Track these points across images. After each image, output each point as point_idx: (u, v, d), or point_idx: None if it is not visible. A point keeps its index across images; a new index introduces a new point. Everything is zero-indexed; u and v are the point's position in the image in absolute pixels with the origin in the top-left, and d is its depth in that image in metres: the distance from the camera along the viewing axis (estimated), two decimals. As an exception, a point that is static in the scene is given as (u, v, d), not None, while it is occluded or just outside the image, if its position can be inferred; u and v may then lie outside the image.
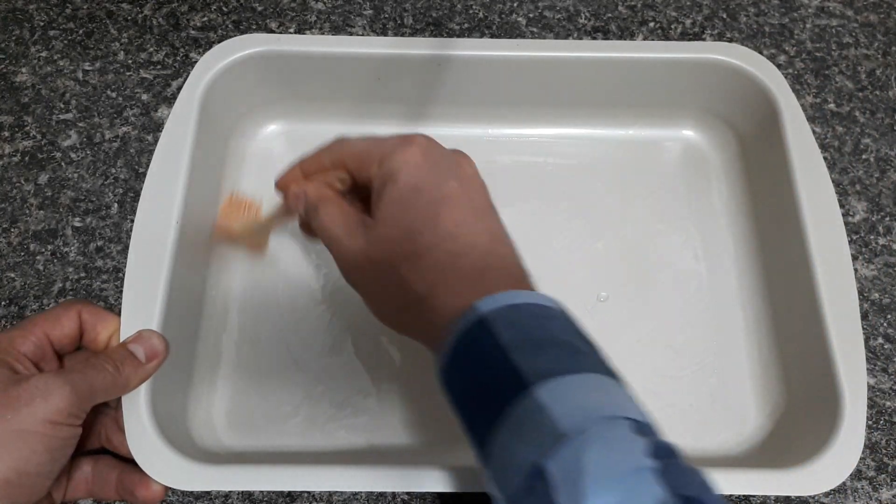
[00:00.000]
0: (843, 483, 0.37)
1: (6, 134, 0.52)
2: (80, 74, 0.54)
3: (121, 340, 0.37)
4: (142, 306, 0.38)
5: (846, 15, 0.59)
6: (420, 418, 0.43)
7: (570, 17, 0.58)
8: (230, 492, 0.42)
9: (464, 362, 0.29)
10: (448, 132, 0.52)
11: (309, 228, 0.37)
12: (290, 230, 0.47)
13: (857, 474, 0.43)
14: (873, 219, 0.51)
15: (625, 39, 0.57)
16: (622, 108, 0.51)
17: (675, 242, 0.49)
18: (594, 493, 0.23)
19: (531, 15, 0.58)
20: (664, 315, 0.47)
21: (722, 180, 0.51)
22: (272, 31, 0.56)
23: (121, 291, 0.39)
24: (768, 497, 0.43)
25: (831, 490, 0.36)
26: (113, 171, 0.51)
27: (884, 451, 0.44)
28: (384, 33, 0.57)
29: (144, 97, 0.53)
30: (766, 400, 0.44)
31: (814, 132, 0.48)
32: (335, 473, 0.35)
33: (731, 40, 0.57)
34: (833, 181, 0.44)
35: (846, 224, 0.43)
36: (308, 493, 0.42)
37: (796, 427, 0.42)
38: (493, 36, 0.57)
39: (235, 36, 0.47)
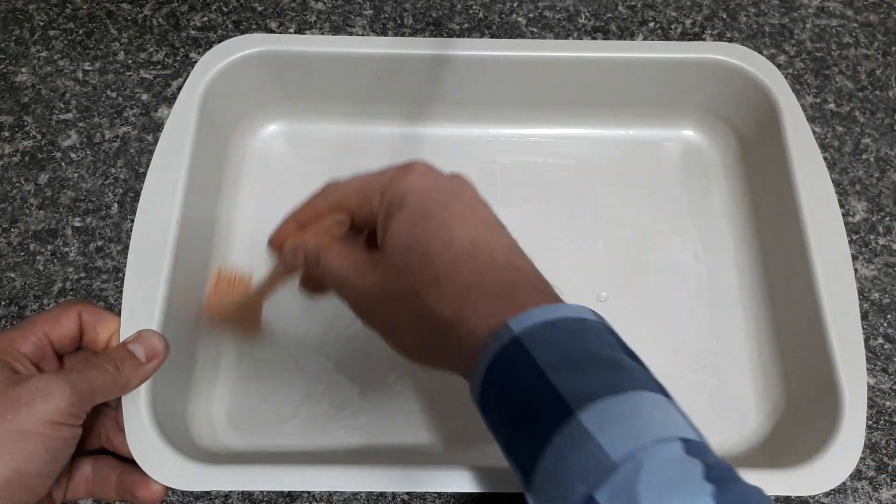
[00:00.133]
0: (843, 483, 0.37)
1: (6, 134, 0.52)
2: (80, 74, 0.54)
3: (121, 340, 0.37)
4: (142, 306, 0.38)
5: (846, 15, 0.59)
6: (420, 418, 0.43)
7: (570, 17, 0.58)
8: (230, 492, 0.42)
9: (501, 386, 0.28)
10: (448, 132, 0.52)
11: (310, 284, 0.36)
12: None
13: (857, 474, 0.43)
14: (873, 219, 0.51)
15: (625, 39, 0.57)
16: (622, 108, 0.51)
17: (675, 242, 0.49)
18: None
19: (531, 15, 0.58)
20: (664, 315, 0.47)
21: (722, 180, 0.51)
22: (272, 31, 0.56)
23: (121, 291, 0.39)
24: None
25: (831, 490, 0.36)
26: (113, 171, 0.51)
27: (884, 451, 0.44)
28: (384, 33, 0.57)
29: (144, 97, 0.53)
30: (766, 400, 0.44)
31: (814, 132, 0.48)
32: (335, 473, 0.35)
33: (731, 40, 0.57)
34: (833, 181, 0.44)
35: (846, 224, 0.43)
36: (308, 493, 0.42)
37: (796, 427, 0.42)
38: (493, 36, 0.57)
39: (235, 36, 0.47)
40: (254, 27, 0.56)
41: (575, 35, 0.57)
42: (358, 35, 0.56)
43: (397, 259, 0.30)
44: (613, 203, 0.50)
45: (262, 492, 0.42)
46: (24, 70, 0.54)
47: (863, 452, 0.37)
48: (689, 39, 0.57)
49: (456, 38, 0.56)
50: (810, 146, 0.44)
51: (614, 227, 0.49)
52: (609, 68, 0.48)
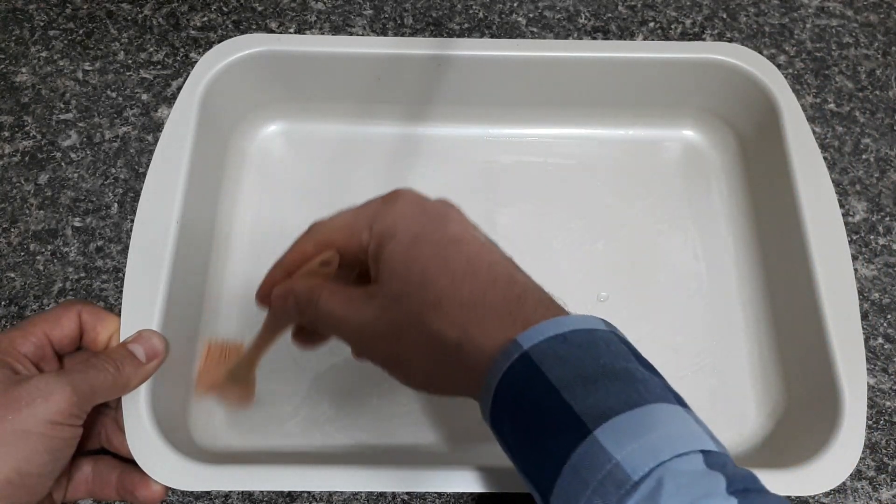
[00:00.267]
0: (843, 483, 0.37)
1: (6, 134, 0.52)
2: (80, 74, 0.54)
3: (121, 340, 0.37)
4: (142, 306, 0.38)
5: (846, 15, 0.59)
6: (420, 419, 0.43)
7: (570, 17, 0.58)
8: (230, 492, 0.42)
9: (514, 404, 0.27)
10: (448, 132, 0.52)
11: (303, 335, 0.36)
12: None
13: (857, 474, 0.43)
14: (873, 219, 0.51)
15: (625, 39, 0.57)
16: (622, 108, 0.51)
17: (675, 242, 0.49)
18: None
19: (531, 15, 0.58)
20: (664, 315, 0.47)
21: (722, 180, 0.51)
22: (272, 31, 0.56)
23: (121, 291, 0.39)
24: (768, 497, 0.43)
25: (831, 490, 0.36)
26: (113, 171, 0.51)
27: (884, 451, 0.44)
28: (384, 33, 0.57)
29: (144, 97, 0.53)
30: (766, 400, 0.44)
31: (814, 132, 0.48)
32: (335, 473, 0.35)
33: (731, 40, 0.57)
34: (833, 181, 0.44)
35: (846, 224, 0.43)
36: (308, 493, 0.42)
37: (796, 427, 0.42)
38: (493, 36, 0.57)
39: (235, 36, 0.47)
40: (254, 27, 0.56)
41: (575, 35, 0.57)
42: (358, 35, 0.56)
43: (395, 287, 0.30)
44: (613, 203, 0.50)
45: (262, 492, 0.42)
46: (24, 70, 0.54)
47: (863, 452, 0.37)
48: (689, 39, 0.57)
49: (456, 38, 0.56)
50: (810, 146, 0.44)
51: (614, 227, 0.49)
52: (609, 68, 0.48)
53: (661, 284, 0.48)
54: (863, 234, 0.50)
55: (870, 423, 0.45)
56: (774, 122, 0.46)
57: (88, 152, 0.51)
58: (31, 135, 0.52)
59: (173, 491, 0.42)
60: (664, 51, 0.48)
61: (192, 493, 0.42)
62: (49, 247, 0.48)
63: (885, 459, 0.44)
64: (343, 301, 0.31)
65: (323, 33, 0.56)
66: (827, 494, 0.43)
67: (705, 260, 0.48)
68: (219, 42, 0.47)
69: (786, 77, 0.47)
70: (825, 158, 0.48)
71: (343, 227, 0.32)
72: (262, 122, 0.51)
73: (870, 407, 0.45)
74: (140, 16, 0.57)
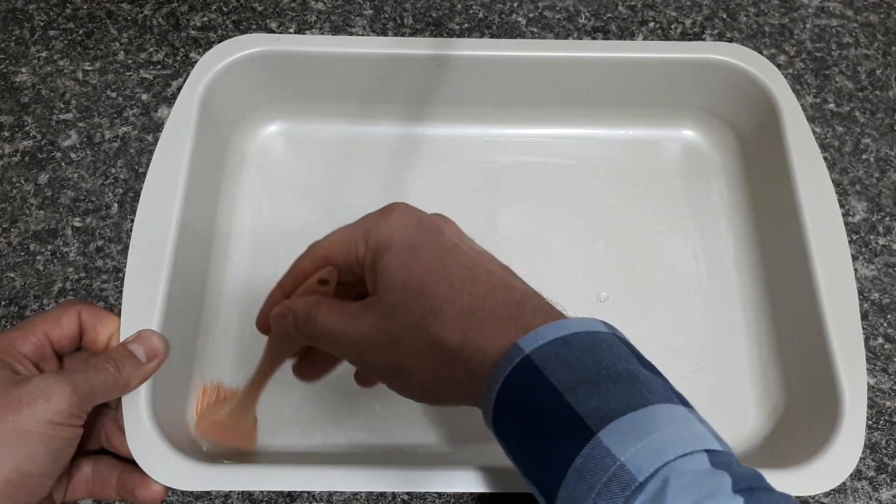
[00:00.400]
0: (843, 483, 0.37)
1: (6, 134, 0.52)
2: (80, 74, 0.54)
3: (121, 340, 0.37)
4: (142, 306, 0.38)
5: (846, 15, 0.59)
6: (420, 419, 0.43)
7: (570, 17, 0.58)
8: (230, 492, 0.42)
9: (516, 408, 0.27)
10: (448, 132, 0.52)
11: (304, 366, 0.36)
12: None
13: (857, 474, 0.43)
14: (873, 219, 0.51)
15: (625, 39, 0.57)
16: (622, 108, 0.51)
17: (675, 242, 0.49)
18: None
19: (531, 15, 0.58)
20: (664, 315, 0.47)
21: (722, 180, 0.51)
22: (272, 31, 0.56)
23: (121, 291, 0.39)
24: (768, 497, 0.43)
25: (831, 490, 0.36)
26: (113, 171, 0.51)
27: (884, 451, 0.44)
28: (384, 33, 0.57)
29: (144, 97, 0.53)
30: (766, 400, 0.44)
31: (814, 132, 0.48)
32: (335, 473, 0.35)
33: (731, 40, 0.57)
34: (833, 181, 0.44)
35: (846, 224, 0.43)
36: (308, 493, 0.42)
37: (796, 427, 0.42)
38: (493, 36, 0.57)
39: (235, 36, 0.47)
40: (254, 27, 0.56)
41: (575, 35, 0.57)
42: (358, 35, 0.56)
43: (394, 298, 0.30)
44: (613, 203, 0.50)
45: (262, 492, 0.42)
46: (24, 70, 0.54)
47: (863, 452, 0.37)
48: (689, 39, 0.57)
49: (456, 38, 0.56)
50: (810, 146, 0.44)
51: (614, 227, 0.49)
52: (609, 68, 0.49)
53: (661, 284, 0.48)
54: (863, 234, 0.50)
55: (870, 423, 0.45)
56: (774, 122, 0.46)
57: (88, 152, 0.51)
58: (31, 135, 0.52)
59: (173, 491, 0.42)
60: (664, 51, 0.48)
61: (192, 493, 0.42)
62: (49, 247, 0.48)
63: (885, 459, 0.44)
64: (341, 314, 0.31)
65: (323, 33, 0.56)
66: (827, 494, 0.43)
67: (705, 260, 0.48)
68: (219, 42, 0.47)
69: (786, 77, 0.47)
70: (825, 158, 0.48)
71: (339, 241, 0.33)
72: (262, 122, 0.51)
73: (870, 407, 0.45)
74: (140, 16, 0.57)
